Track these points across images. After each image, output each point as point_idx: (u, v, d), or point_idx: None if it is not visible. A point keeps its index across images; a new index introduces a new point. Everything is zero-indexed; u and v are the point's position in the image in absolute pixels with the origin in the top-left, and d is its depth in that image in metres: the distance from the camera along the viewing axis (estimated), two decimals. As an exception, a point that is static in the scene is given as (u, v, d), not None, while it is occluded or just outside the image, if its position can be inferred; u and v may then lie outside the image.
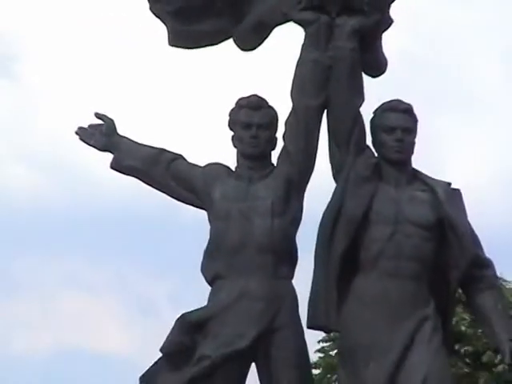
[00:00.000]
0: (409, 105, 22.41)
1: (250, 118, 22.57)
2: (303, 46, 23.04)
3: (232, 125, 22.84)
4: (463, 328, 25.06)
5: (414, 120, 22.35)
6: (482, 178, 63.78)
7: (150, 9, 23.65)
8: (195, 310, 22.70)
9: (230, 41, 23.52)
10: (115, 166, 23.59)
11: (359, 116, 22.55)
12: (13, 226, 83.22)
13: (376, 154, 22.76)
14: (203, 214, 22.95)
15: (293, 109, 22.89)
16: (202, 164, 23.24)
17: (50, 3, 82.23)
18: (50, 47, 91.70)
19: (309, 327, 22.58)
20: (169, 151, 23.62)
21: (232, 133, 22.94)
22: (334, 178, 22.83)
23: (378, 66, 23.36)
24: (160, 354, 22.49)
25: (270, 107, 22.87)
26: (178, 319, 22.58)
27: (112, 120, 23.64)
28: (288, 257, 22.53)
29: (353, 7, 23.06)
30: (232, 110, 22.96)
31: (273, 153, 22.91)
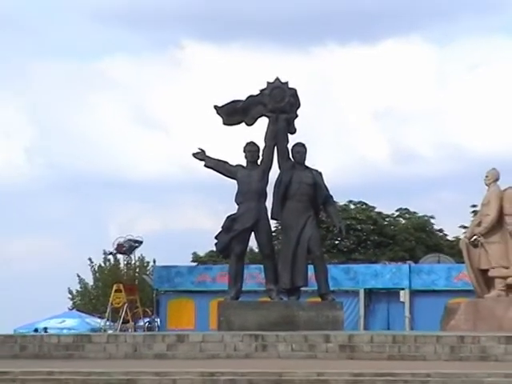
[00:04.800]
0: (304, 144, 25.09)
1: (251, 149, 24.77)
2: (268, 124, 24.97)
3: (245, 152, 24.81)
4: (322, 217, 27.68)
5: (306, 149, 25.00)
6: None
7: (216, 113, 25.11)
8: (232, 214, 24.75)
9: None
10: (205, 165, 25.03)
11: (287, 148, 24.93)
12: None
13: (293, 160, 24.86)
14: (234, 182, 24.79)
15: (264, 145, 24.87)
16: (235, 164, 24.95)
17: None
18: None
19: (271, 218, 25.10)
20: (223, 160, 24.98)
21: (244, 154, 24.85)
22: (279, 168, 24.98)
23: (292, 130, 25.24)
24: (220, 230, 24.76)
25: (257, 145, 24.91)
26: (227, 217, 24.81)
27: (204, 150, 24.91)
28: (264, 195, 24.90)
29: (284, 111, 24.74)
30: (244, 146, 24.85)
31: (258, 161, 24.84)
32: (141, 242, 38.11)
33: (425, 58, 74.21)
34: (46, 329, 35.80)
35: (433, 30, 79.02)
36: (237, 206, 25.10)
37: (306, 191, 24.94)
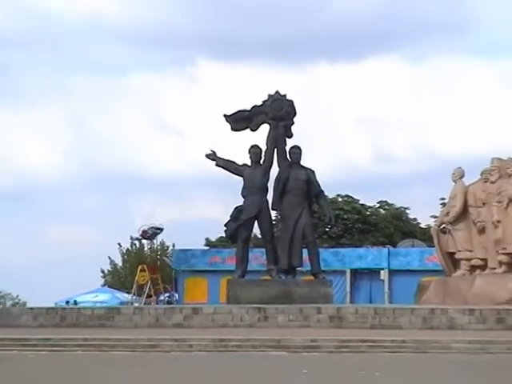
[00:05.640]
0: (299, 147, 25.04)
1: (255, 151, 24.76)
2: (269, 129, 24.86)
3: (249, 153, 24.75)
4: (315, 208, 27.47)
5: (301, 151, 24.86)
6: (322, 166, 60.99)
7: (225, 120, 25.06)
8: (239, 205, 24.70)
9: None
10: (217, 165, 24.90)
11: (285, 150, 24.80)
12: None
13: (290, 160, 24.85)
14: (241, 179, 24.78)
15: (266, 148, 24.79)
16: (241, 163, 24.88)
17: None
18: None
19: (272, 209, 25.13)
20: (231, 160, 24.89)
21: (249, 155, 24.82)
22: (279, 167, 24.85)
23: (290, 135, 25.03)
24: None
25: (260, 147, 24.84)
26: (234, 208, 24.68)
27: (215, 152, 24.81)
28: (265, 189, 24.83)
29: (283, 119, 24.67)
30: (249, 148, 24.81)
31: (260, 161, 24.74)
32: (162, 229, 37.99)
33: (402, 73, 73.80)
34: (75, 301, 35.53)
35: (408, 50, 78.18)
36: (243, 199, 25.06)
37: (301, 186, 24.82)
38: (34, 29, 74.72)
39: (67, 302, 35.22)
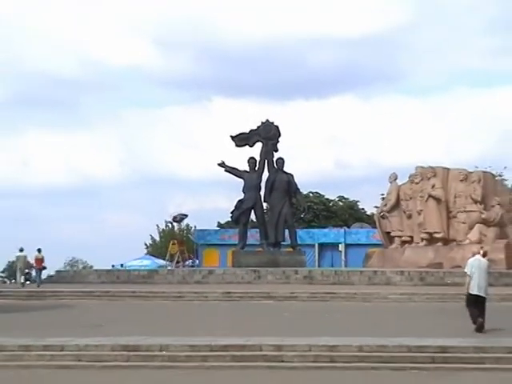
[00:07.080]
0: (283, 158, 24.53)
1: (252, 161, 24.37)
2: (262, 146, 24.41)
3: (248, 162, 24.34)
4: (293, 201, 26.78)
5: (284, 161, 24.48)
6: (298, 171, 61.38)
7: (231, 139, 24.55)
8: (240, 199, 24.31)
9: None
10: (225, 170, 24.37)
11: (273, 160, 24.42)
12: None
13: (276, 167, 24.40)
14: (241, 180, 24.36)
15: (259, 159, 24.36)
16: (242, 169, 24.53)
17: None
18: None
19: (263, 202, 24.71)
20: (235, 167, 24.40)
21: (248, 163, 24.41)
22: (268, 172, 24.40)
23: (276, 150, 24.66)
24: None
25: (255, 158, 24.43)
26: (237, 201, 24.16)
27: (224, 161, 24.29)
28: (259, 188, 24.42)
29: (271, 139, 24.38)
30: (248, 160, 24.38)
31: (255, 168, 24.36)
32: (187, 215, 38.02)
33: (356, 107, 74.25)
34: (122, 265, 35.21)
35: (360, 91, 78.28)
36: (243, 194, 24.92)
37: (284, 186, 24.66)
38: (95, 74, 74.98)
39: (113, 266, 35.05)
